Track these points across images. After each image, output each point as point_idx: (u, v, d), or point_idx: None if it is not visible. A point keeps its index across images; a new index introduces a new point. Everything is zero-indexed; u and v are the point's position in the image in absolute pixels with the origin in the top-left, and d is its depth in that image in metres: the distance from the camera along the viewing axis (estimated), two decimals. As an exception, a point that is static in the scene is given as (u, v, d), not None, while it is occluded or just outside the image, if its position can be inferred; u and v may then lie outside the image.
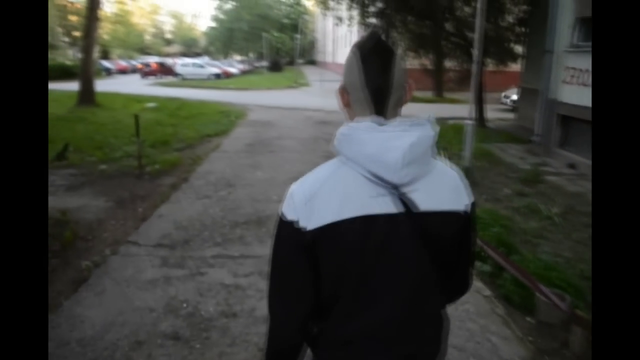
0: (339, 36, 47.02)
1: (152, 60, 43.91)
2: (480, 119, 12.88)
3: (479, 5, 7.15)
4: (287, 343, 1.20)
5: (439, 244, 1.13)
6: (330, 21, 45.62)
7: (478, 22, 7.33)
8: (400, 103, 1.16)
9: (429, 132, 1.09)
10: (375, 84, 1.11)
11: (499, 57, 12.42)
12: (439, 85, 22.03)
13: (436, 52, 13.19)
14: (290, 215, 1.11)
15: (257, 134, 11.50)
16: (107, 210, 5.86)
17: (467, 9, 12.31)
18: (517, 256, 4.16)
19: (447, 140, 10.47)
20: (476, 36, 7.27)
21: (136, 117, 7.76)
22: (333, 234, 1.07)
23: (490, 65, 13.05)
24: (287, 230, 1.11)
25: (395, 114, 1.15)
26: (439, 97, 22.06)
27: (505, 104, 18.23)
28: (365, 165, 1.07)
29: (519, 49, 13.31)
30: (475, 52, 7.24)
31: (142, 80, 34.22)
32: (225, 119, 14.02)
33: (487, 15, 12.27)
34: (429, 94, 22.65)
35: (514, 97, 17.79)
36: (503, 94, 18.93)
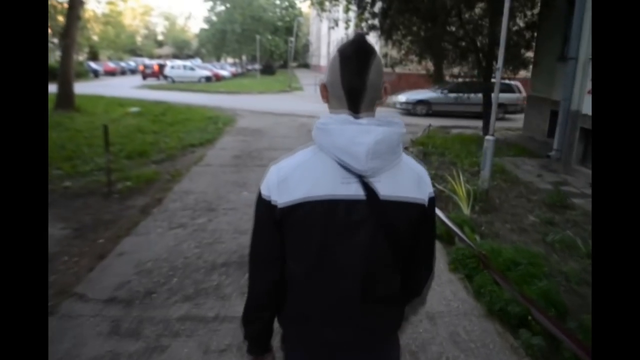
0: (334, 39, 46.24)
1: (153, 62, 43.07)
2: (488, 129, 11.97)
3: (506, 6, 6.22)
4: (256, 302, 1.38)
5: (396, 229, 1.26)
6: (325, 24, 44.81)
7: (504, 23, 6.41)
8: (374, 102, 1.28)
9: (396, 131, 1.23)
10: (351, 85, 1.24)
11: (511, 63, 11.51)
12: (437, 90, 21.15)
13: (439, 57, 12.24)
14: (265, 192, 1.28)
15: (245, 144, 10.50)
16: (62, 242, 4.85)
17: (477, 11, 11.39)
18: (574, 322, 3.22)
19: (455, 153, 9.54)
20: (502, 40, 6.37)
21: (105, 128, 6.75)
22: (300, 211, 1.22)
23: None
24: (262, 204, 1.28)
25: (369, 110, 1.27)
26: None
27: (396, 107, 18.52)
28: (336, 155, 1.21)
29: (528, 55, 12.40)
30: (500, 57, 6.32)
31: (130, 83, 33.15)
32: (212, 126, 13.02)
33: (496, 18, 11.44)
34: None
35: (402, 99, 18.49)
36: (394, 99, 18.80)
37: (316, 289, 1.29)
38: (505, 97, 16.60)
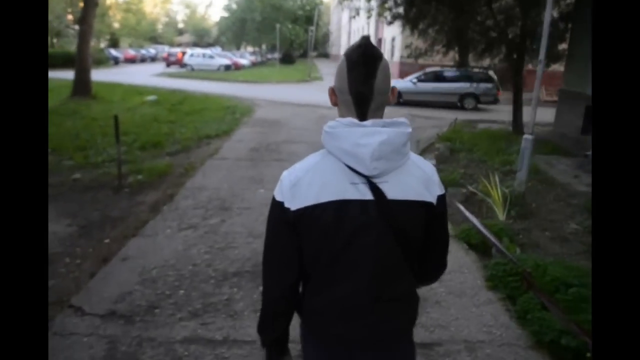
0: (355, 29, 45.50)
1: (177, 50, 43.12)
2: (519, 125, 11.36)
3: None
4: (273, 307, 1.38)
5: (405, 230, 1.27)
6: (345, 14, 44.11)
7: (547, 11, 5.85)
8: (382, 106, 1.30)
9: (401, 131, 1.24)
10: (358, 91, 1.25)
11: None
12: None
13: (467, 47, 11.62)
14: (278, 197, 1.29)
15: (263, 135, 10.10)
16: (66, 241, 4.53)
17: (507, 0, 10.73)
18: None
19: (483, 150, 8.98)
20: (545, 28, 5.81)
21: (116, 119, 6.38)
22: (312, 215, 1.24)
23: (530, 65, 11.49)
24: (276, 209, 1.30)
25: (377, 115, 1.28)
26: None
27: None
28: (342, 158, 1.23)
29: (561, 47, 11.71)
30: (543, 46, 5.76)
31: (150, 70, 33.01)
32: (230, 116, 12.66)
33: (528, 8, 10.79)
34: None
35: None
36: None
37: (330, 288, 1.32)
38: (477, 86, 16.06)
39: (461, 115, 14.11)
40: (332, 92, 1.32)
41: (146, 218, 5.07)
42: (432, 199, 1.30)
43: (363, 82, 1.24)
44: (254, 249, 4.23)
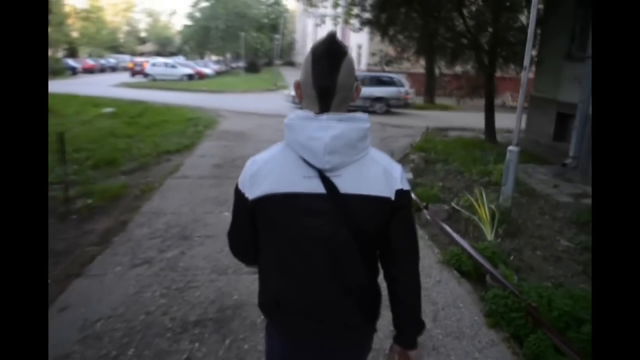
0: (320, 37, 45.18)
1: (143, 59, 41.86)
2: (492, 132, 11.12)
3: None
4: (235, 254, 1.52)
5: (359, 224, 1.27)
6: (310, 22, 43.79)
7: (533, 14, 5.52)
8: (346, 101, 1.30)
9: (357, 127, 1.25)
10: (322, 85, 1.25)
11: (513, 61, 10.67)
12: (430, 91, 20.36)
13: (438, 54, 11.35)
14: (240, 186, 1.35)
15: (227, 150, 9.51)
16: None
17: (479, 5, 10.50)
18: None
19: (460, 160, 8.64)
20: (530, 32, 5.47)
21: (61, 136, 5.70)
22: (265, 205, 1.28)
23: (501, 72, 11.28)
24: (237, 195, 1.37)
25: (340, 110, 1.28)
26: (430, 103, 20.40)
27: (287, 102, 18.17)
28: (298, 151, 1.26)
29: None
30: (528, 50, 5.41)
31: (110, 81, 31.79)
32: (192, 129, 11.99)
33: (499, 14, 10.59)
34: (419, 100, 20.99)
35: (292, 92, 17.61)
36: (287, 92, 18.75)
37: (286, 279, 1.33)
38: (386, 90, 16.93)
39: (375, 119, 13.81)
40: (298, 85, 1.33)
41: (94, 252, 4.43)
42: (389, 194, 1.29)
43: (327, 76, 1.24)
44: (218, 289, 3.66)
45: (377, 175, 1.28)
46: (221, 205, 5.83)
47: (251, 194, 1.29)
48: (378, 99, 17.08)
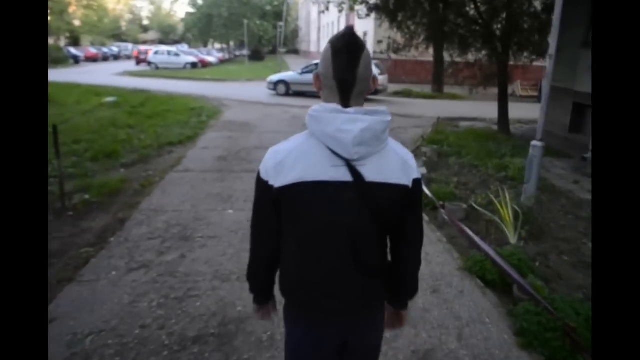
0: (325, 24, 44.58)
1: (147, 47, 41.44)
2: (505, 124, 10.72)
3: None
4: (258, 262, 1.56)
5: (381, 208, 1.35)
6: (315, 8, 43.14)
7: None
8: (364, 93, 1.37)
9: (381, 120, 1.31)
10: (342, 77, 1.31)
11: (526, 49, 10.25)
12: (438, 79, 19.91)
13: (449, 42, 10.90)
14: (263, 175, 1.38)
15: (231, 141, 9.16)
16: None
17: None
18: None
19: (473, 153, 8.28)
20: (555, 21, 5.07)
21: (54, 129, 5.37)
22: (293, 193, 1.31)
23: (514, 60, 10.83)
24: (260, 184, 1.39)
25: (358, 102, 1.36)
26: (438, 92, 19.95)
27: (272, 89, 18.51)
28: (325, 142, 1.30)
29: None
30: (554, 37, 5.03)
31: (112, 69, 31.43)
32: (195, 119, 11.64)
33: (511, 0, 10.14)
34: (427, 89, 20.55)
35: (274, 78, 18.59)
36: (267, 79, 18.98)
37: (308, 260, 1.40)
38: None
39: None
40: (317, 77, 1.39)
41: (89, 254, 4.12)
42: (407, 182, 1.38)
43: (347, 69, 1.31)
44: (221, 299, 3.34)
45: (397, 164, 1.36)
46: (225, 202, 5.51)
47: (277, 182, 1.32)
48: None
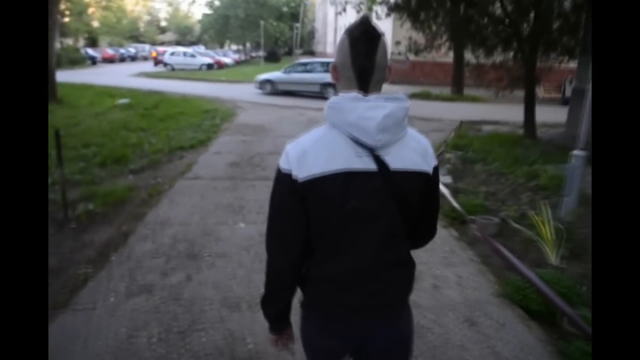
0: (341, 25, 44.19)
1: (166, 49, 41.73)
2: (532, 128, 10.20)
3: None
4: (279, 278, 1.42)
5: (406, 198, 1.33)
6: (331, 10, 42.79)
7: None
8: (381, 82, 1.34)
9: (402, 106, 1.28)
10: (360, 66, 1.29)
11: (554, 50, 9.73)
12: (458, 81, 19.35)
13: (474, 42, 10.40)
14: (285, 168, 1.31)
15: (245, 145, 8.81)
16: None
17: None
18: None
19: (500, 159, 7.79)
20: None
21: (57, 135, 5.06)
22: (319, 184, 1.26)
23: (543, 61, 10.29)
24: (282, 179, 1.31)
25: (376, 90, 1.33)
26: (458, 94, 19.39)
27: (259, 88, 18.83)
28: (348, 131, 1.27)
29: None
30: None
31: (128, 70, 31.45)
32: (209, 122, 11.34)
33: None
34: (446, 91, 19.99)
35: (263, 77, 18.95)
36: (255, 79, 19.29)
37: (337, 256, 1.34)
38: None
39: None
40: (334, 68, 1.35)
41: (86, 275, 3.77)
42: (429, 169, 1.35)
43: (365, 57, 1.27)
44: (229, 333, 2.95)
45: (418, 151, 1.33)
46: (236, 214, 5.13)
47: (301, 173, 1.27)
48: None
